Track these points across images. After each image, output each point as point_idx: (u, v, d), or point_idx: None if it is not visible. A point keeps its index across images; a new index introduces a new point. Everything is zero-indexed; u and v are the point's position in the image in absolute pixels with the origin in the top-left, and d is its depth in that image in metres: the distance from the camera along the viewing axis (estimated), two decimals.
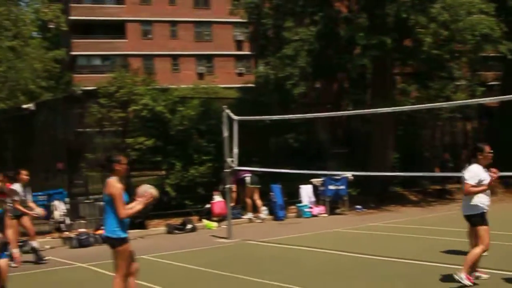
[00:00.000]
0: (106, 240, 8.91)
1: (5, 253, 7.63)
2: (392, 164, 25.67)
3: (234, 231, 17.43)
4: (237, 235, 17.27)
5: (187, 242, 17.03)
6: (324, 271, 12.21)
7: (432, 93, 26.88)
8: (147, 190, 8.95)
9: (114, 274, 8.88)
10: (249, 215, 20.87)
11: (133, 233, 18.44)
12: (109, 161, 8.96)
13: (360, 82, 28.03)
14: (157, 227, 19.69)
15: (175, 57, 61.71)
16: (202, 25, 62.72)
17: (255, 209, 20.97)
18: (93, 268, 13.66)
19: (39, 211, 15.13)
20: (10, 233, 15.77)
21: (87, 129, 23.25)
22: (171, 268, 13.40)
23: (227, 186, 17.36)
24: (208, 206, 20.60)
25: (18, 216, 14.70)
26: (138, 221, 19.53)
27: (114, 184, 8.66)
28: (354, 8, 27.53)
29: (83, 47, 59.81)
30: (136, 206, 8.81)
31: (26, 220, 14.96)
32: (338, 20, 26.94)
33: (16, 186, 14.73)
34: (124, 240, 8.72)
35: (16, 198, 14.52)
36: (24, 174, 14.95)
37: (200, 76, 59.63)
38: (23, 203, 14.87)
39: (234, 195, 20.28)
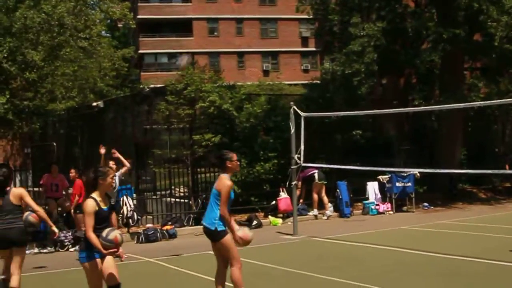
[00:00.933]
0: (205, 231, 8.99)
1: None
2: (460, 161, 25.23)
3: (300, 227, 17.42)
4: (302, 231, 17.26)
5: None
6: (391, 269, 12.09)
7: (502, 88, 26.31)
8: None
9: (231, 264, 8.94)
10: (315, 211, 20.81)
11: (199, 228, 18.69)
12: (221, 159, 9.12)
13: (428, 77, 27.60)
14: None
15: (240, 54, 61.94)
16: (267, 22, 62.76)
17: (322, 206, 20.90)
18: (160, 262, 13.85)
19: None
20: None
21: (155, 126, 23.56)
22: None
23: (293, 182, 17.35)
24: (273, 202, 20.62)
25: None
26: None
27: (225, 181, 8.88)
28: (422, 2, 27.16)
29: (150, 45, 60.60)
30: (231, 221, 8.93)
31: None
32: (405, 15, 26.62)
33: None
34: (223, 232, 8.84)
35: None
36: (110, 165, 15.23)
37: (266, 73, 59.69)
38: None
39: (299, 191, 20.24)
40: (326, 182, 20.89)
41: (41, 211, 10.05)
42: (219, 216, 8.81)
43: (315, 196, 20.78)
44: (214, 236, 8.83)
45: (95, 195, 7.83)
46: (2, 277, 10.05)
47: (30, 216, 9.94)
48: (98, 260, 7.79)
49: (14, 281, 9.56)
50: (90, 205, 7.72)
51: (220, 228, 8.82)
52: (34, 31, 16.26)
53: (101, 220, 7.75)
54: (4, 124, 16.80)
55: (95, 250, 7.66)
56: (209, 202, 9.07)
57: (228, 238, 8.85)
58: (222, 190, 8.81)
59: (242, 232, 9.03)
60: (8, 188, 9.86)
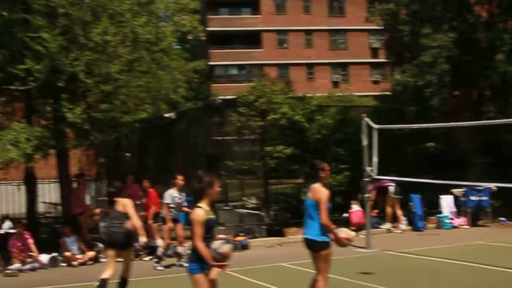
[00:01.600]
0: (309, 243, 9.07)
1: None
2: None
3: (373, 241, 17.25)
4: (375, 245, 17.08)
5: None
6: (467, 284, 11.85)
7: None
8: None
9: (317, 278, 9.05)
10: (388, 225, 20.56)
11: (271, 240, 18.72)
12: (315, 168, 9.23)
13: (503, 88, 27.03)
14: (295, 235, 19.74)
15: (310, 66, 61.91)
16: (337, 33, 62.59)
17: (395, 219, 20.62)
18: (233, 273, 13.89)
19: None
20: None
21: (226, 137, 23.75)
22: (309, 276, 13.41)
23: (366, 195, 17.21)
24: (345, 215, 20.48)
25: (172, 220, 15.25)
26: (276, 229, 19.75)
27: (322, 190, 9.01)
28: (495, 11, 26.65)
29: (220, 57, 61.18)
30: (333, 227, 9.06)
31: (178, 226, 15.43)
32: (477, 25, 26.18)
33: (172, 191, 15.25)
34: (328, 244, 8.95)
35: (167, 202, 15.08)
36: (180, 179, 15.44)
37: (335, 84, 59.48)
38: (179, 207, 15.39)
39: (372, 202, 20.06)
40: (401, 197, 20.56)
41: (135, 220, 10.98)
42: (322, 226, 8.85)
43: (389, 209, 20.53)
44: (319, 246, 8.89)
45: (202, 204, 7.64)
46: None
47: (127, 223, 11.01)
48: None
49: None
50: (200, 214, 7.50)
51: (326, 239, 8.93)
52: (112, 45, 16.57)
53: (208, 230, 7.55)
54: (81, 134, 17.15)
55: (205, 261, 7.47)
56: (305, 214, 9.14)
57: (329, 251, 8.95)
58: (322, 198, 8.88)
59: (344, 233, 9.12)
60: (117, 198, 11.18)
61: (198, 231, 7.41)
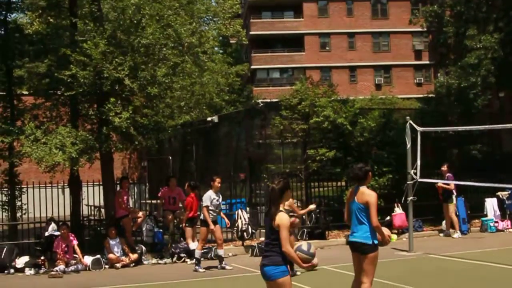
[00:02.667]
0: (358, 246, 9.08)
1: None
2: None
3: (415, 244, 17.12)
4: (418, 248, 16.95)
5: None
6: None
7: None
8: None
9: (363, 280, 9.04)
10: (458, 233, 20.01)
11: (313, 243, 18.66)
12: (365, 171, 9.26)
13: None
14: (337, 238, 19.73)
15: (352, 69, 61.62)
16: (380, 36, 62.18)
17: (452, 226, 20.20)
18: None
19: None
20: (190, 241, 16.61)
21: (268, 140, 23.78)
22: (350, 279, 13.37)
23: (409, 198, 17.08)
24: (388, 218, 20.34)
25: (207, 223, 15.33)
26: (318, 232, 19.73)
27: (371, 193, 9.06)
28: None
29: (262, 61, 61.28)
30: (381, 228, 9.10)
31: (217, 228, 15.50)
32: None
33: (210, 193, 15.33)
34: (377, 247, 8.99)
35: (206, 204, 15.15)
36: (217, 181, 15.49)
37: (378, 87, 59.12)
38: (217, 209, 15.47)
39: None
40: (453, 202, 20.17)
41: None
42: (371, 228, 8.87)
43: (454, 216, 20.09)
44: (369, 249, 8.91)
45: (282, 208, 7.62)
46: None
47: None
48: None
49: None
50: (287, 219, 7.47)
51: (376, 241, 8.96)
52: (158, 48, 16.74)
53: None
54: (126, 139, 17.35)
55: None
56: (352, 218, 9.16)
57: (377, 253, 8.99)
58: (371, 201, 8.90)
59: (386, 230, 9.26)
60: None
61: (286, 235, 7.39)
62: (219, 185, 15.61)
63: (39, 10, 18.51)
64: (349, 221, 9.31)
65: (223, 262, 15.52)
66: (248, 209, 20.54)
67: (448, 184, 19.62)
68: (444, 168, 19.95)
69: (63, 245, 16.07)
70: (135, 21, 16.45)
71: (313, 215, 20.04)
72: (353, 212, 9.11)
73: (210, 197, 15.25)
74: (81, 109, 18.29)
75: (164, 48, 16.83)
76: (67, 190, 19.23)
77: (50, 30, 18.50)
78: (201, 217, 15.64)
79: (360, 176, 9.21)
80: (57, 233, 17.00)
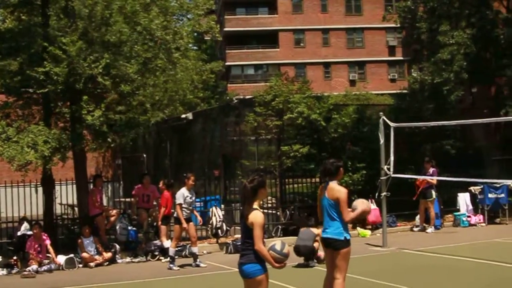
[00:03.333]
0: (330, 242, 9.08)
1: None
2: None
3: (389, 239, 17.21)
4: (392, 243, 17.05)
5: None
6: (486, 283, 11.79)
7: None
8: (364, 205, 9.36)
9: (336, 276, 9.05)
10: (432, 229, 20.11)
11: (287, 240, 18.68)
12: (336, 166, 9.26)
13: None
14: None
15: (327, 65, 61.77)
16: (354, 32, 62.40)
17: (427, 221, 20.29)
18: None
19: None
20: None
21: (243, 137, 23.76)
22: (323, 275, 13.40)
23: (383, 194, 17.16)
24: None
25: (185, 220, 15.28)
26: (292, 228, 19.73)
27: (340, 189, 9.07)
28: None
29: (236, 57, 61.25)
30: (354, 215, 9.14)
31: (191, 226, 15.46)
32: (496, 21, 26.02)
33: (183, 191, 15.28)
34: (349, 242, 9.01)
35: (180, 202, 15.10)
36: (191, 179, 15.44)
37: (352, 83, 59.39)
38: (190, 206, 15.42)
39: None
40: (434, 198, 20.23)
41: None
42: (343, 225, 8.89)
43: (432, 211, 20.20)
44: (341, 245, 8.93)
45: (257, 206, 7.56)
46: None
47: None
48: None
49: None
50: (261, 217, 7.41)
51: (348, 237, 8.99)
52: (129, 45, 16.64)
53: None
54: (99, 137, 17.23)
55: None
56: (323, 214, 9.16)
57: (350, 249, 9.02)
58: (342, 197, 8.92)
59: (362, 203, 9.36)
60: None
61: (260, 234, 7.34)
62: (193, 183, 15.57)
63: (10, 7, 18.28)
64: (322, 217, 9.32)
65: (198, 260, 15.49)
66: (222, 206, 20.52)
67: (431, 179, 19.70)
68: (428, 163, 20.01)
69: (36, 245, 15.93)
70: (105, 18, 16.32)
71: (287, 212, 20.07)
72: (324, 209, 9.12)
73: (183, 194, 15.21)
74: (53, 107, 18.12)
75: (136, 45, 16.74)
76: (40, 189, 19.06)
77: (22, 26, 18.29)
78: (175, 215, 15.59)
79: (331, 170, 9.20)
80: (29, 232, 16.84)
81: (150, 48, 17.28)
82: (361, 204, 9.28)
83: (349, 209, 9.11)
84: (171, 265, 15.23)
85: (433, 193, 19.93)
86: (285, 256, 7.48)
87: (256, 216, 7.39)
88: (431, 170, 19.87)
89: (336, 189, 9.03)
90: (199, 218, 16.42)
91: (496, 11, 26.33)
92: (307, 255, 14.58)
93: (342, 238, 8.93)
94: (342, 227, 8.95)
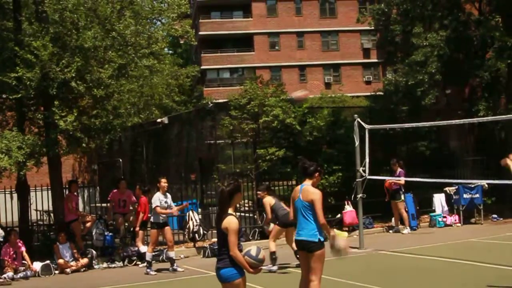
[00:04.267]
0: (304, 244, 9.10)
1: None
2: None
3: (366, 241, 17.30)
4: (368, 245, 17.14)
5: None
6: (462, 282, 11.88)
7: None
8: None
9: (312, 278, 9.05)
10: (408, 229, 20.24)
11: (264, 243, 18.67)
12: (315, 168, 9.35)
13: (494, 86, 27.08)
14: None
15: (302, 68, 61.91)
16: (328, 35, 62.60)
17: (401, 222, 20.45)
18: None
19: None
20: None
21: (219, 141, 23.74)
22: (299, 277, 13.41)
23: (359, 195, 17.23)
24: (339, 215, 20.48)
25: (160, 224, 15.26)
26: (269, 231, 19.72)
27: (315, 191, 9.11)
28: (486, 9, 26.71)
29: (212, 61, 61.17)
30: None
31: (168, 230, 15.44)
32: (469, 23, 26.23)
33: (158, 194, 15.25)
34: (323, 244, 9.03)
35: (157, 205, 15.07)
36: (163, 182, 15.42)
37: (328, 85, 59.61)
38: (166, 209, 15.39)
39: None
40: (402, 199, 20.38)
41: None
42: (317, 226, 8.91)
43: (404, 213, 20.31)
44: (315, 247, 8.94)
45: (231, 211, 7.54)
46: None
47: None
48: None
49: None
50: (235, 222, 7.38)
51: (321, 238, 9.00)
52: (102, 50, 16.59)
53: (239, 237, 7.53)
54: (73, 142, 17.14)
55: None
56: (298, 216, 9.18)
57: (324, 251, 9.01)
58: (316, 199, 8.97)
59: (341, 240, 9.38)
60: None
61: (234, 239, 7.34)
62: (166, 185, 15.54)
63: None
64: (295, 219, 9.35)
65: (175, 264, 15.46)
66: (199, 210, 20.48)
67: (399, 180, 19.85)
68: (395, 164, 20.18)
69: (11, 252, 15.80)
70: (76, 22, 16.26)
71: (264, 214, 20.07)
72: (298, 210, 9.15)
73: (159, 198, 15.21)
74: (27, 113, 18.01)
75: (110, 51, 16.69)
76: (15, 195, 18.90)
77: None
78: (151, 219, 15.54)
79: (308, 170, 9.27)
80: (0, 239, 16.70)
81: (125, 54, 17.22)
82: (342, 241, 9.33)
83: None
84: (148, 270, 15.18)
85: (400, 194, 20.09)
86: (260, 262, 7.48)
87: (230, 222, 7.38)
88: (398, 171, 20.04)
89: (311, 191, 9.08)
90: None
91: (468, 13, 26.53)
92: None
93: (317, 240, 8.96)
94: (316, 229, 8.97)
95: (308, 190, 9.11)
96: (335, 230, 9.97)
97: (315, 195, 9.02)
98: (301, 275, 9.36)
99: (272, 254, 14.41)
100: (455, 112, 26.61)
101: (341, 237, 9.55)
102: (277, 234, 14.67)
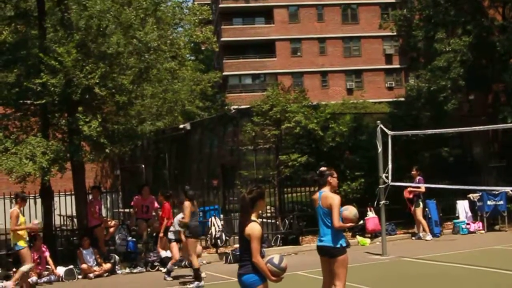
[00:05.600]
0: (326, 250, 9.17)
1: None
2: None
3: (388, 247, 17.21)
4: (391, 252, 17.05)
5: None
6: None
7: None
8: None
9: (336, 283, 9.12)
10: (430, 236, 20.18)
11: (287, 249, 18.73)
12: (323, 175, 9.39)
13: None
14: (311, 243, 19.72)
15: (324, 74, 61.90)
16: (350, 41, 62.57)
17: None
18: None
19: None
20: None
21: (241, 147, 23.76)
22: None
23: (382, 202, 17.16)
24: (361, 222, 20.38)
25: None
26: (292, 237, 19.74)
27: (333, 196, 9.17)
28: (510, 14, 26.56)
29: (234, 67, 61.34)
30: (343, 225, 9.26)
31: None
32: (492, 29, 26.09)
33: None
34: (345, 250, 9.12)
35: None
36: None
37: (349, 91, 59.51)
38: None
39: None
40: (420, 206, 20.33)
41: None
42: (337, 231, 8.94)
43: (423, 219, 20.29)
44: (337, 252, 9.01)
45: (254, 217, 7.51)
46: None
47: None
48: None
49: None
50: (258, 229, 7.38)
51: (343, 244, 9.08)
52: (125, 56, 16.70)
53: (261, 243, 7.53)
54: (97, 148, 17.25)
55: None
56: (319, 223, 9.26)
57: (346, 256, 9.09)
58: (333, 204, 9.02)
59: (349, 212, 9.36)
60: None
61: (257, 246, 7.33)
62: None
63: (7, 19, 18.33)
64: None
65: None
66: (221, 216, 20.50)
67: (419, 187, 19.78)
68: (414, 171, 20.12)
69: (35, 256, 15.91)
70: (101, 29, 16.38)
71: (286, 221, 20.07)
72: (319, 217, 9.19)
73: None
74: (51, 119, 18.14)
75: (132, 57, 16.79)
76: (38, 200, 19.05)
77: (19, 39, 18.35)
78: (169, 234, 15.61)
79: (319, 180, 9.38)
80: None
81: (147, 59, 17.31)
82: (348, 214, 9.32)
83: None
84: (166, 276, 15.25)
85: (419, 201, 20.04)
86: (282, 270, 7.45)
87: (253, 229, 7.37)
88: (417, 178, 19.97)
89: (330, 197, 9.16)
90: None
91: (492, 19, 26.40)
92: None
93: (338, 245, 9.00)
94: (337, 235, 8.99)
95: (327, 196, 9.18)
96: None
97: (334, 199, 9.10)
98: (323, 281, 9.36)
99: (196, 270, 14.18)
100: (478, 118, 26.45)
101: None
102: (194, 248, 14.40)
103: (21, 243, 14.34)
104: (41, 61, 16.45)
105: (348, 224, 9.50)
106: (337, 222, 8.97)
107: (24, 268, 14.21)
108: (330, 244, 9.01)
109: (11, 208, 18.56)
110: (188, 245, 14.42)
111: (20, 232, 14.35)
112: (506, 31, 24.94)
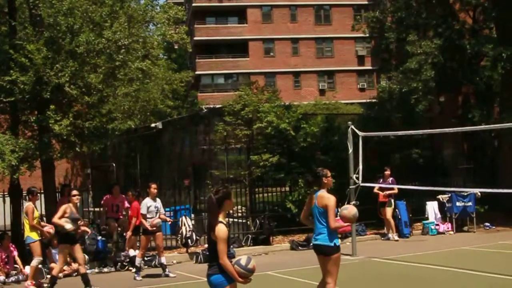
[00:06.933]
0: (321, 248, 9.26)
1: None
2: None
3: (358, 248, 17.29)
4: (361, 252, 17.12)
5: (311, 258, 16.97)
6: None
7: None
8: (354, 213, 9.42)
9: (328, 280, 9.23)
10: (396, 236, 20.36)
11: (257, 249, 18.73)
12: (317, 176, 9.45)
13: (487, 94, 27.20)
14: (281, 244, 19.79)
15: (296, 74, 62.03)
16: (323, 41, 62.77)
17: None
18: None
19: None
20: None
21: (212, 147, 23.74)
22: (295, 285, 13.42)
23: (352, 202, 17.22)
24: None
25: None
26: (262, 237, 19.76)
27: (329, 196, 9.23)
28: (479, 18, 26.85)
29: (206, 67, 61.21)
30: (342, 224, 9.52)
31: (158, 236, 15.41)
32: (463, 32, 26.36)
33: (147, 200, 15.23)
34: (338, 248, 9.21)
35: (143, 212, 15.07)
36: (153, 188, 15.39)
37: (322, 92, 59.72)
38: (155, 215, 15.35)
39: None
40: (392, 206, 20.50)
41: None
42: (331, 231, 9.03)
43: (392, 219, 20.44)
44: (332, 251, 9.15)
45: (222, 218, 7.40)
46: None
47: None
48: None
49: None
50: (224, 231, 7.28)
51: (337, 243, 9.20)
52: (94, 55, 16.58)
53: (228, 244, 7.44)
54: (67, 146, 17.11)
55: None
56: (314, 222, 9.38)
57: (339, 254, 9.25)
58: (329, 204, 9.11)
59: (348, 211, 9.38)
60: None
61: (223, 248, 7.26)
62: (155, 191, 15.50)
63: None
64: (305, 221, 9.68)
65: (167, 270, 15.42)
66: (192, 215, 20.45)
67: (392, 189, 19.93)
68: (387, 171, 20.26)
69: (3, 256, 15.75)
70: (69, 27, 16.26)
71: (257, 221, 20.08)
72: (315, 216, 9.30)
73: (146, 204, 15.22)
74: (21, 116, 17.96)
75: (102, 55, 16.68)
76: (7, 199, 18.83)
77: None
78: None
79: (316, 181, 9.49)
80: None
81: (117, 58, 17.18)
82: (347, 213, 9.42)
83: (337, 218, 9.36)
84: (136, 275, 15.19)
85: (391, 201, 20.28)
86: (250, 272, 7.39)
87: (219, 230, 7.29)
88: (390, 179, 20.14)
89: (326, 197, 9.26)
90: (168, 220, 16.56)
91: (463, 22, 26.68)
92: None
93: (332, 244, 9.14)
94: (332, 234, 9.10)
95: (323, 196, 9.30)
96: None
97: (329, 200, 9.19)
98: (322, 278, 9.51)
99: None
100: (448, 119, 26.70)
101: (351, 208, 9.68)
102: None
103: (34, 236, 14.66)
104: (11, 58, 16.28)
105: (345, 224, 9.77)
106: (332, 223, 9.10)
107: (34, 262, 14.43)
108: (325, 243, 9.16)
109: None
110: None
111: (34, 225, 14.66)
112: (476, 35, 25.21)
